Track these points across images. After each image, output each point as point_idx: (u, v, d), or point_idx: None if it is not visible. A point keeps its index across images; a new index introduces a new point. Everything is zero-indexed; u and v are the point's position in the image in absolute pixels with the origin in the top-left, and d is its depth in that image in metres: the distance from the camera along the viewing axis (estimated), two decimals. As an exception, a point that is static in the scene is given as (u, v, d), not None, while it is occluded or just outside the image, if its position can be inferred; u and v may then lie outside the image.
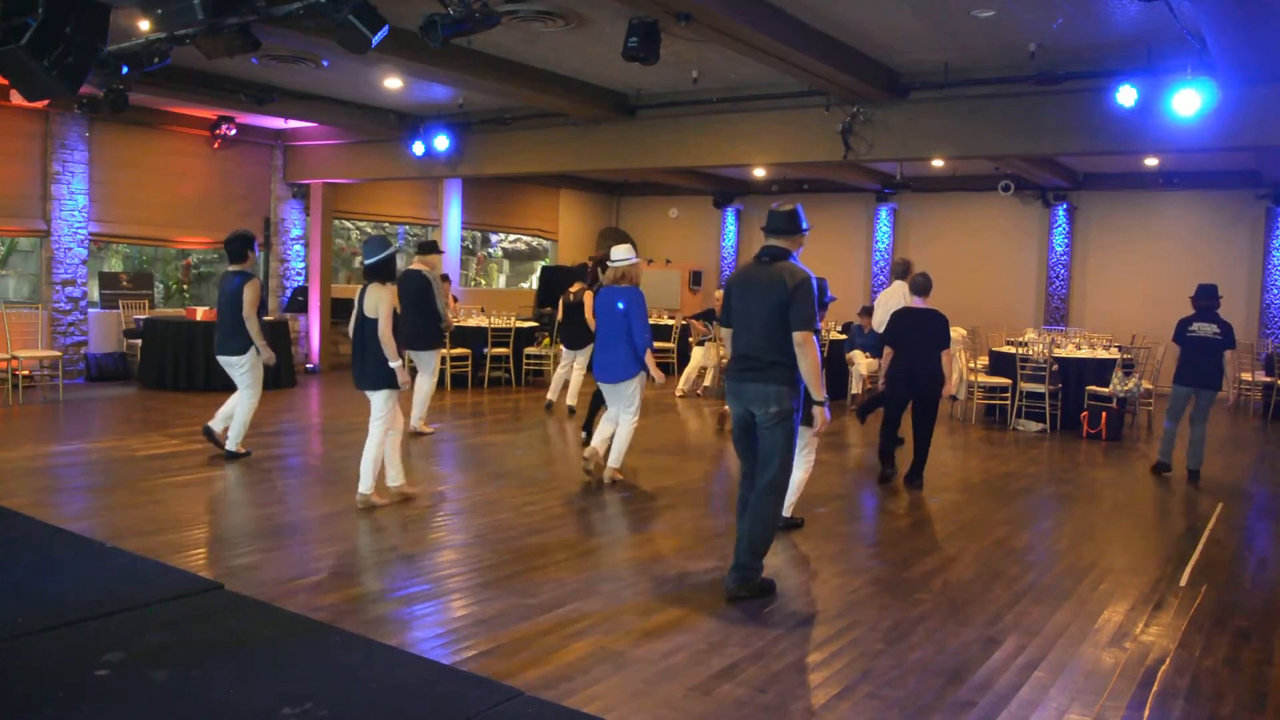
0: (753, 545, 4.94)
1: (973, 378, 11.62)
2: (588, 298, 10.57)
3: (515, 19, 8.13)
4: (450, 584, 5.15)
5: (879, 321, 9.58)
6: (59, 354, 11.58)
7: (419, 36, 6.48)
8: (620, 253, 7.51)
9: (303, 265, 15.15)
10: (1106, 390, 10.70)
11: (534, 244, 19.64)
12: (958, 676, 4.06)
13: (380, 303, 6.39)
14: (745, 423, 5.03)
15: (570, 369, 11.08)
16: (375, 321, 6.40)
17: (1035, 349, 11.30)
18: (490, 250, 19.79)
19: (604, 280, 7.69)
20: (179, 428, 9.39)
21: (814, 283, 4.85)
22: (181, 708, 3.30)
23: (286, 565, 5.30)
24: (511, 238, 19.37)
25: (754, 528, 4.93)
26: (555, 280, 17.23)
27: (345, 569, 5.25)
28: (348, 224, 16.52)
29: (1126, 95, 8.35)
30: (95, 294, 13.18)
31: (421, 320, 9.11)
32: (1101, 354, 11.38)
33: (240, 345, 7.85)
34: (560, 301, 11.11)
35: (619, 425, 7.59)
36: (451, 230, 16.94)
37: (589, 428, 8.81)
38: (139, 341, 12.48)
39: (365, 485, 6.58)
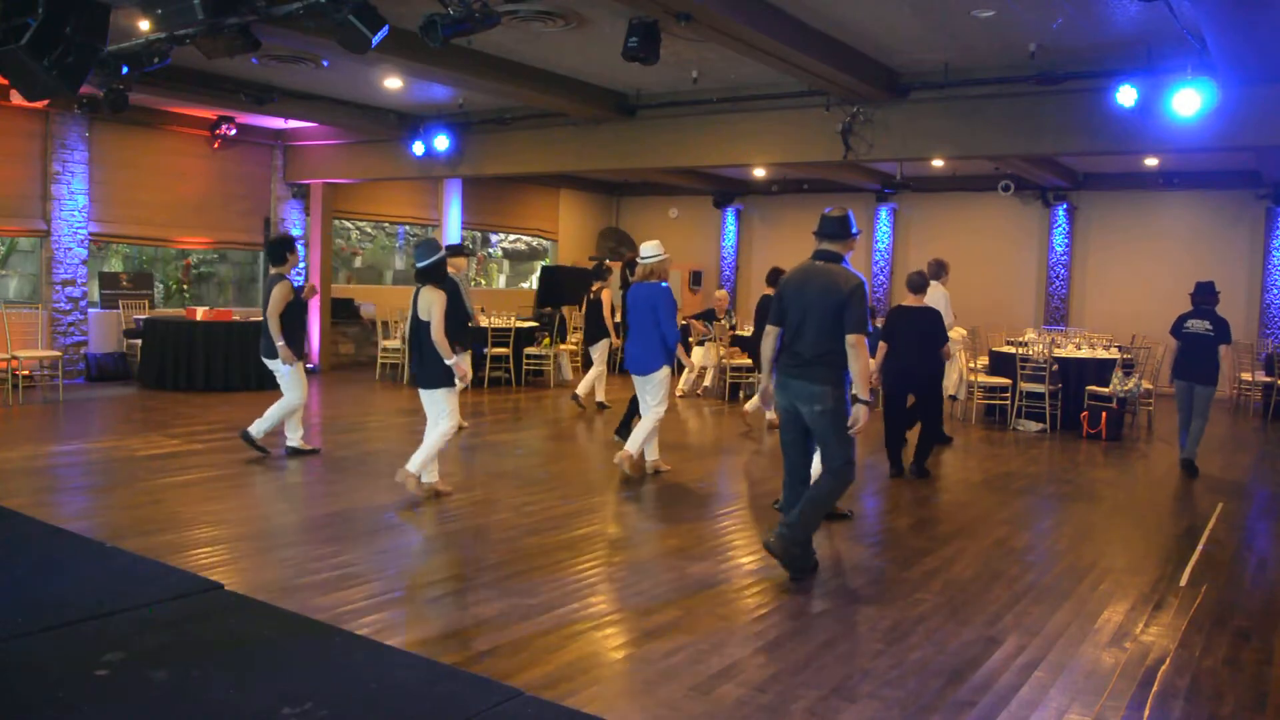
0: (803, 512, 5.15)
1: (973, 378, 11.63)
2: (605, 296, 11.15)
3: (515, 19, 8.13)
4: (450, 584, 5.15)
5: None
6: (59, 354, 11.58)
7: (419, 36, 6.48)
8: (649, 249, 7.74)
9: (303, 265, 15.14)
10: (1106, 390, 10.70)
11: (534, 244, 19.63)
12: (958, 676, 4.06)
13: (433, 305, 6.64)
14: (790, 416, 5.28)
15: (601, 364, 11.49)
16: (429, 324, 6.63)
17: (1035, 349, 11.30)
18: (490, 250, 19.78)
19: (635, 277, 7.88)
20: (179, 428, 9.39)
21: (865, 288, 5.12)
22: (181, 708, 3.30)
23: (286, 565, 5.31)
24: (511, 238, 19.37)
25: (807, 500, 5.18)
26: (555, 280, 17.22)
27: (345, 569, 5.25)
28: (348, 224, 16.53)
29: (1126, 95, 8.35)
30: (95, 294, 13.18)
31: (451, 322, 9.29)
32: (1101, 354, 11.38)
33: (268, 349, 8.04)
34: (584, 300, 11.54)
35: (642, 416, 7.76)
36: (451, 230, 16.94)
37: (624, 432, 8.95)
38: (139, 341, 12.48)
39: (428, 476, 6.85)
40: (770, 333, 5.34)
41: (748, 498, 7.40)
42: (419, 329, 6.72)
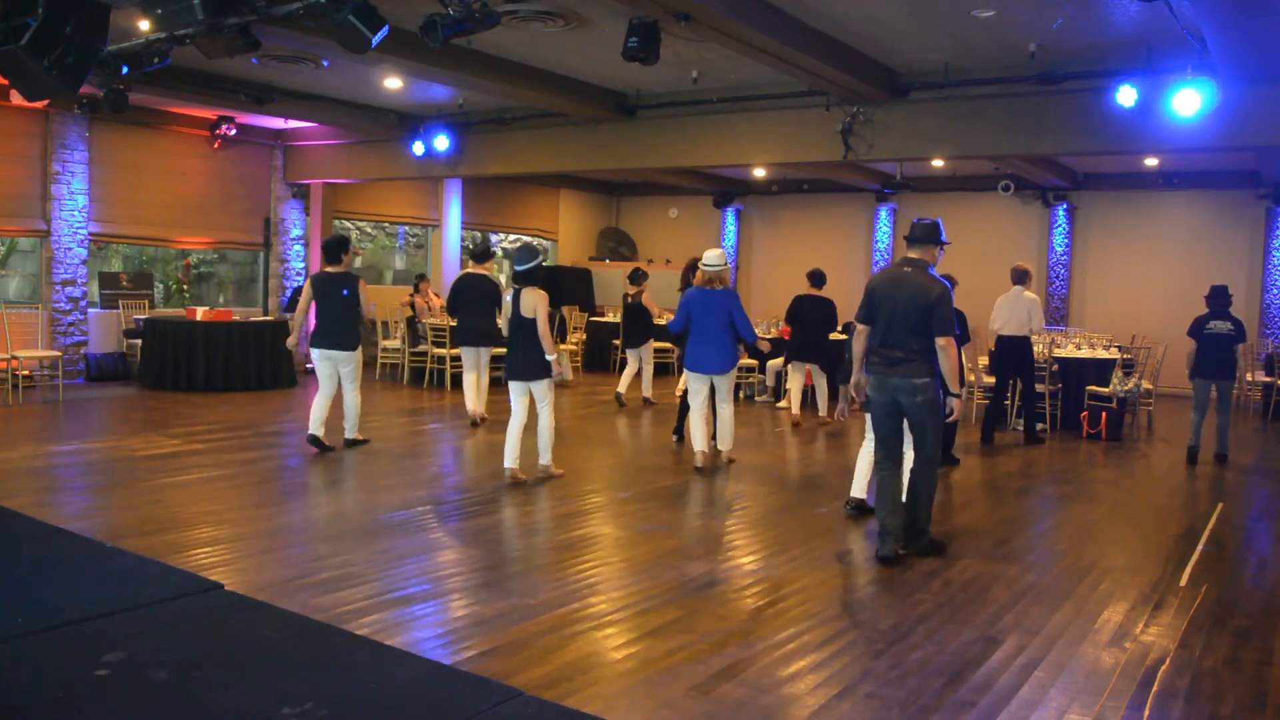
0: (918, 512, 5.70)
1: (972, 378, 11.61)
2: (649, 300, 11.77)
3: (515, 19, 8.13)
4: (450, 584, 5.15)
5: (1002, 324, 10.12)
6: (59, 354, 11.58)
7: (419, 36, 6.49)
8: (712, 257, 8.08)
9: (303, 265, 15.15)
10: (1106, 390, 10.70)
11: (534, 244, 19.64)
12: (958, 676, 4.06)
13: (537, 304, 7.25)
14: (888, 409, 5.74)
15: (638, 364, 12.01)
16: (533, 321, 7.24)
17: (1035, 349, 11.28)
18: (490, 250, 19.78)
19: (696, 281, 8.20)
20: (179, 428, 9.39)
21: (950, 293, 5.60)
22: (181, 708, 3.30)
23: (286, 565, 5.31)
24: (511, 238, 19.37)
25: (917, 499, 5.72)
26: (555, 280, 17.19)
27: (345, 569, 5.25)
28: (348, 224, 16.53)
29: (1126, 95, 8.35)
30: (95, 294, 13.18)
31: (484, 319, 9.99)
32: (1101, 354, 11.37)
33: (354, 340, 8.40)
34: (622, 303, 12.22)
35: (720, 413, 8.23)
36: (451, 230, 16.94)
37: (680, 432, 9.42)
38: (139, 341, 12.47)
39: (545, 458, 7.58)
40: (861, 331, 5.85)
41: (748, 497, 7.40)
42: (523, 326, 7.29)
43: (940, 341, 5.51)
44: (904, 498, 5.79)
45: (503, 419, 10.78)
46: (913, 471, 5.80)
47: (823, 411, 11.08)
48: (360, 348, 8.53)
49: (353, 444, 8.60)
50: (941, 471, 8.53)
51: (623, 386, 11.97)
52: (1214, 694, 4.01)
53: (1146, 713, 3.81)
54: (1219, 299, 9.19)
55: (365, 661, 3.81)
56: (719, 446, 8.38)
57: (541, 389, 7.45)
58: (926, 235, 5.75)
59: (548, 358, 7.32)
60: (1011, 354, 10.06)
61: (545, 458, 7.57)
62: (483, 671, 3.88)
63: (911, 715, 3.69)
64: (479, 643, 4.26)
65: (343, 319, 8.36)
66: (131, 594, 4.37)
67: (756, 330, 13.50)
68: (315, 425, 8.36)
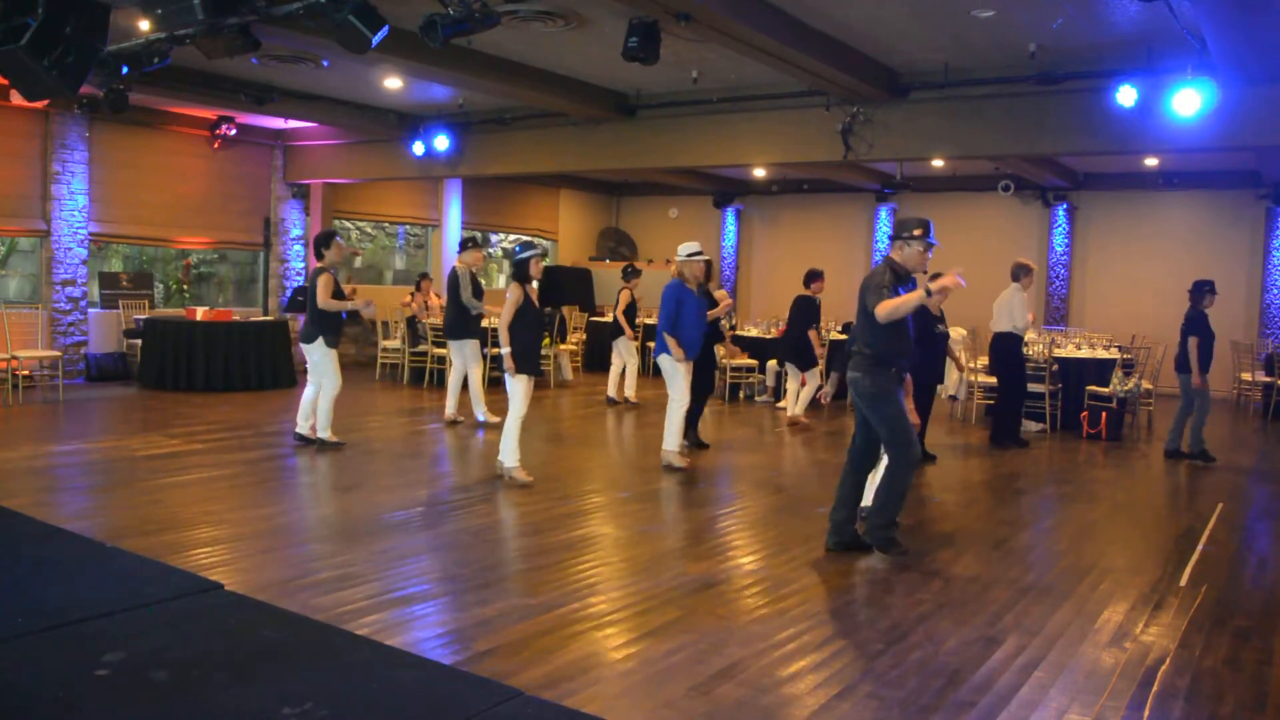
0: (877, 501, 5.74)
1: (972, 378, 11.61)
2: (624, 297, 11.82)
3: (515, 19, 8.14)
4: (450, 584, 5.15)
5: (994, 321, 10.06)
6: (59, 354, 11.58)
7: (419, 36, 6.49)
8: (680, 250, 8.18)
9: (303, 265, 15.14)
10: (1106, 390, 10.70)
11: (532, 241, 19.63)
12: (958, 676, 4.06)
13: (507, 300, 7.24)
14: (857, 404, 5.84)
15: (622, 361, 12.05)
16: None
17: (1035, 349, 11.29)
18: (490, 250, 19.77)
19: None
20: (179, 428, 9.39)
21: (887, 274, 5.55)
22: (181, 708, 3.30)
23: (286, 565, 5.30)
24: (511, 237, 19.37)
25: (877, 495, 5.78)
26: (555, 280, 17.21)
27: (345, 569, 5.25)
28: (348, 224, 16.53)
29: (1126, 95, 8.36)
30: (95, 294, 13.18)
31: (453, 312, 9.93)
32: (1101, 354, 11.37)
33: (309, 334, 8.40)
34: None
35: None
36: (451, 230, 16.94)
37: (689, 435, 9.18)
38: (139, 341, 12.47)
39: (505, 460, 7.36)
40: None
41: (748, 498, 7.40)
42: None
43: (878, 313, 5.41)
44: (854, 495, 5.89)
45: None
46: (885, 468, 5.84)
47: (791, 410, 10.77)
48: (321, 340, 8.34)
49: (320, 446, 8.44)
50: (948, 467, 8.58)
51: (611, 389, 12.03)
52: (1214, 694, 4.01)
53: (1146, 713, 3.81)
54: (1190, 291, 9.28)
55: (365, 661, 3.80)
56: (664, 445, 8.16)
57: (508, 383, 7.29)
58: (894, 231, 5.86)
59: (501, 351, 7.18)
60: (1000, 351, 10.00)
61: (506, 460, 7.35)
62: (483, 671, 3.88)
63: (911, 715, 3.69)
64: (479, 643, 4.26)
65: (308, 313, 8.47)
66: (131, 594, 4.36)
67: (756, 330, 13.62)
68: (299, 422, 8.57)
